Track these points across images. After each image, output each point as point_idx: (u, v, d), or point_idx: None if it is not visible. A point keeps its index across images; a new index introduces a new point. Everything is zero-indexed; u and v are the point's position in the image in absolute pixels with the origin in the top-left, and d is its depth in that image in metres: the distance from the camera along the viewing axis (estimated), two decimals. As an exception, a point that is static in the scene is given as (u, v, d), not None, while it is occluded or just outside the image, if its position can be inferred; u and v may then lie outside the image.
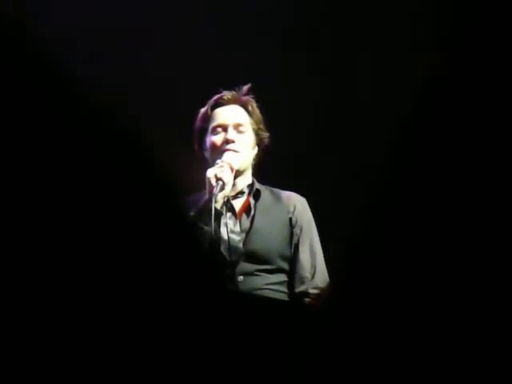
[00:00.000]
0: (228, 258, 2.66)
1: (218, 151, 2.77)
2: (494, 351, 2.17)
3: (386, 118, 3.17)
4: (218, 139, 2.79)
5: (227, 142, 2.77)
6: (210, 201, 2.65)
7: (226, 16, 3.54)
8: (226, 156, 2.75)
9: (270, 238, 2.72)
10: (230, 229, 2.68)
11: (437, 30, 3.17)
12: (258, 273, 2.67)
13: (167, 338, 2.06)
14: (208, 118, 2.83)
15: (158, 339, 2.05)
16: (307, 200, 2.86)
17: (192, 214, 2.68)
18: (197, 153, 2.88)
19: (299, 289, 2.72)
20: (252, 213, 2.74)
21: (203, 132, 2.84)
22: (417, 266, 2.36)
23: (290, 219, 2.77)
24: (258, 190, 2.81)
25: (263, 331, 2.13)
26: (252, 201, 2.76)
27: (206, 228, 2.62)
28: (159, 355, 2.05)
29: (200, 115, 2.85)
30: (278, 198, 2.81)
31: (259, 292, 2.63)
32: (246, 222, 2.74)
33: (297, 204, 2.81)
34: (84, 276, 2.02)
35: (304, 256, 2.74)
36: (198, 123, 2.85)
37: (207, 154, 2.83)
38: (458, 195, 2.63)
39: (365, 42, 3.55)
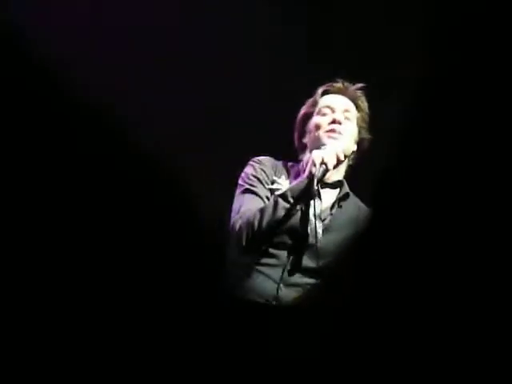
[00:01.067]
0: (310, 240, 2.66)
1: (322, 131, 2.78)
2: (494, 351, 2.18)
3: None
4: (324, 120, 2.80)
5: (334, 121, 2.78)
6: (310, 181, 2.65)
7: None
8: (333, 143, 2.74)
9: (336, 243, 2.71)
10: (317, 214, 2.69)
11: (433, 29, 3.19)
12: (307, 269, 2.67)
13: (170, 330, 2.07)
14: (316, 103, 2.84)
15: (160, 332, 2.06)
16: None
17: (282, 189, 2.71)
18: (296, 141, 2.88)
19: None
20: (334, 212, 2.75)
21: (308, 117, 2.85)
22: (414, 269, 2.36)
23: (356, 232, 2.78)
24: (347, 194, 2.82)
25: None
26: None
27: (296, 207, 2.65)
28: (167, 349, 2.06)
29: (308, 102, 2.87)
30: (356, 205, 2.83)
31: (298, 287, 2.64)
32: (327, 217, 2.74)
33: (365, 218, 2.82)
34: (99, 276, 2.02)
35: None
36: (304, 109, 2.87)
37: (308, 137, 2.84)
38: (455, 200, 2.65)
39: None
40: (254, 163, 2.80)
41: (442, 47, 2.60)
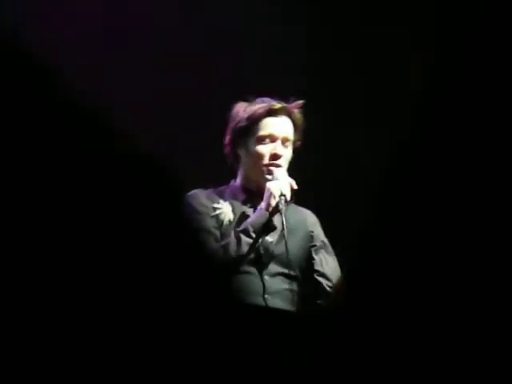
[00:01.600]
0: (263, 258, 2.75)
1: (264, 162, 2.82)
2: (495, 352, 2.18)
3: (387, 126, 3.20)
4: (265, 149, 2.83)
5: (275, 156, 2.83)
6: (272, 213, 2.73)
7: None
8: (280, 172, 2.80)
9: (296, 246, 2.80)
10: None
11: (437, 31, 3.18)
12: (280, 276, 2.76)
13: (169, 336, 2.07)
14: (256, 121, 2.84)
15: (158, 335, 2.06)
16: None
17: (225, 212, 2.78)
18: (228, 148, 2.90)
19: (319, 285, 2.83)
20: (282, 218, 2.76)
21: (245, 131, 2.85)
22: (417, 277, 2.36)
23: (311, 232, 2.88)
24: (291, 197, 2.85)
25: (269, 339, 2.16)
26: (282, 206, 2.76)
27: (258, 240, 2.74)
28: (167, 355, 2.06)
29: (247, 113, 2.86)
30: (297, 211, 2.90)
31: (280, 294, 2.74)
32: (279, 224, 2.78)
33: (316, 221, 2.92)
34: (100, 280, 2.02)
35: (322, 268, 2.86)
36: (241, 119, 2.86)
37: (244, 156, 2.87)
38: (458, 207, 2.66)
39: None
40: (190, 200, 2.82)
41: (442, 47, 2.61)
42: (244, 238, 2.71)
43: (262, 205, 2.77)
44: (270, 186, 2.77)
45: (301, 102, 2.88)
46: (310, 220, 2.91)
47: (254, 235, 2.72)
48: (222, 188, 2.89)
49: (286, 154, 2.85)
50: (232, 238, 2.72)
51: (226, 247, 2.71)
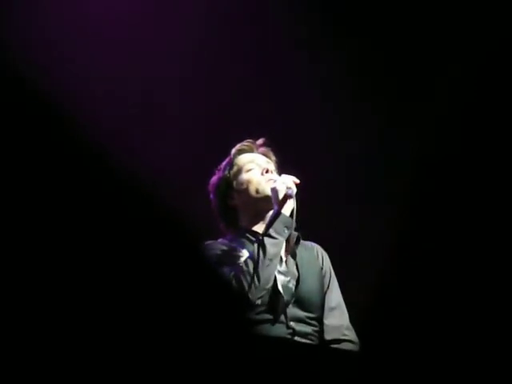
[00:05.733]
0: (285, 304, 2.69)
1: (259, 182, 2.83)
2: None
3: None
4: (254, 173, 2.86)
5: (267, 171, 2.85)
6: (283, 208, 2.70)
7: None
8: (280, 176, 2.80)
9: (315, 286, 2.80)
10: (282, 270, 2.74)
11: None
12: (307, 320, 2.72)
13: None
14: (233, 164, 2.89)
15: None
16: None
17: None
18: (218, 207, 2.90)
19: (330, 336, 2.78)
20: (297, 258, 2.78)
21: (227, 180, 2.88)
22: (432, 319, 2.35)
23: (321, 268, 2.85)
24: (299, 237, 2.83)
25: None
26: (295, 245, 2.78)
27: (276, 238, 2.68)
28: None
29: (225, 164, 2.91)
30: (306, 246, 2.88)
31: (308, 338, 2.70)
32: (293, 267, 2.78)
33: (323, 253, 2.90)
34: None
35: (333, 305, 2.82)
36: (221, 174, 2.90)
37: (239, 197, 2.86)
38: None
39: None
40: (210, 247, 2.79)
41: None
42: (267, 240, 2.66)
43: (274, 207, 2.74)
44: (273, 186, 2.75)
45: (262, 139, 2.92)
46: (318, 254, 2.88)
47: (275, 234, 2.67)
48: (228, 237, 2.86)
49: (273, 172, 2.86)
50: (255, 245, 2.67)
51: (252, 256, 2.66)
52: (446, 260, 3.12)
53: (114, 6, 3.52)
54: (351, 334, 2.77)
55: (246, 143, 2.92)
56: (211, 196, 2.91)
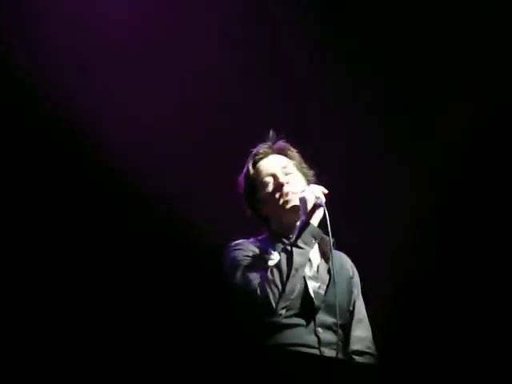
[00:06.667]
0: (315, 309, 2.68)
1: (279, 197, 2.80)
2: None
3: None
4: (271, 189, 2.82)
5: (280, 185, 2.81)
6: (312, 219, 2.69)
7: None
8: (308, 186, 2.78)
9: (344, 292, 2.78)
10: (306, 274, 2.72)
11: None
12: (334, 327, 2.70)
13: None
14: (252, 175, 2.86)
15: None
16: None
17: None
18: (254, 214, 2.89)
19: (355, 347, 2.77)
20: (330, 263, 2.75)
21: (253, 191, 2.87)
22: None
23: (351, 277, 2.84)
24: (334, 242, 2.79)
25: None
26: (329, 251, 2.74)
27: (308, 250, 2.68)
28: None
29: (244, 177, 2.89)
30: (337, 256, 2.85)
31: (333, 346, 2.68)
32: (324, 271, 2.77)
33: (353, 264, 2.89)
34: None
35: (361, 316, 2.82)
36: (244, 185, 2.89)
37: (267, 208, 2.85)
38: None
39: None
40: (238, 247, 2.78)
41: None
42: (295, 250, 2.64)
43: (302, 217, 2.72)
44: (302, 196, 2.73)
45: (277, 137, 2.90)
46: (349, 264, 2.88)
47: (302, 245, 2.65)
48: (261, 238, 2.85)
49: (291, 177, 2.83)
50: (282, 254, 2.66)
51: (278, 265, 2.64)
52: (460, 271, 3.08)
53: (114, 6, 3.52)
54: (373, 348, 2.77)
55: (260, 150, 2.89)
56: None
